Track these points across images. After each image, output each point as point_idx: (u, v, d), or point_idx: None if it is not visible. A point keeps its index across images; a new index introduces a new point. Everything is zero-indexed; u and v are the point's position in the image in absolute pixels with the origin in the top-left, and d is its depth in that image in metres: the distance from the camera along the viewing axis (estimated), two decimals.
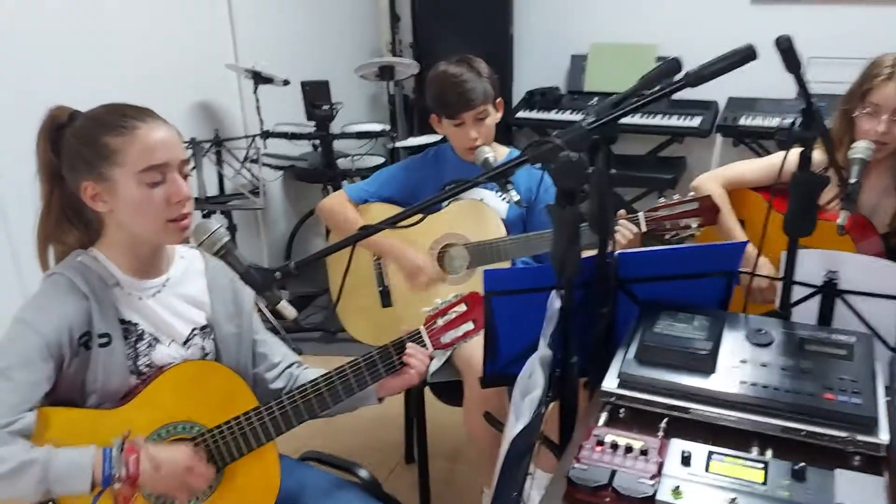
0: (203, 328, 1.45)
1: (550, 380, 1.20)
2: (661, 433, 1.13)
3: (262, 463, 1.40)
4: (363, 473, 1.58)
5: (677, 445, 1.09)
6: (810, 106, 1.29)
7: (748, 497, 0.99)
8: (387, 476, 2.50)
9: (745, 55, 1.16)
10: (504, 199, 2.10)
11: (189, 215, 1.33)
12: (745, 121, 3.78)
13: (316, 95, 3.39)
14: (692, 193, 1.92)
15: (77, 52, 2.69)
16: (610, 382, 1.23)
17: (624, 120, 1.23)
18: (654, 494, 1.00)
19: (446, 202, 2.07)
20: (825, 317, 1.47)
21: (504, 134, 3.90)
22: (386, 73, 3.68)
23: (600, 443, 1.09)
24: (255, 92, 3.31)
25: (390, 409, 1.88)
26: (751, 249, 1.83)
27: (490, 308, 1.43)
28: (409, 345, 1.45)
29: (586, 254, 1.26)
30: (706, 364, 1.22)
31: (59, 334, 1.25)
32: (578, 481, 1.03)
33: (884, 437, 1.08)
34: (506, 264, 2.03)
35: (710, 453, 1.08)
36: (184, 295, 1.43)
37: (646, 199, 4.09)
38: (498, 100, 2.07)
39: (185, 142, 1.31)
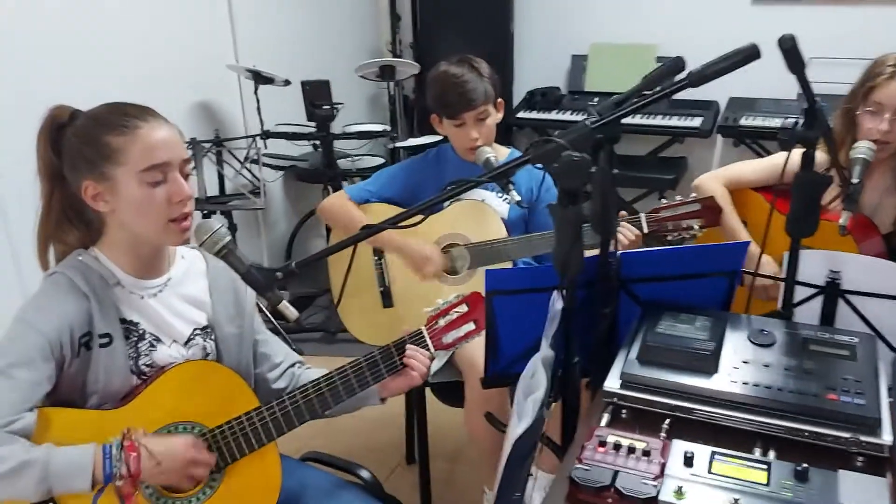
0: (204, 329, 1.45)
1: (553, 380, 1.20)
2: (663, 434, 1.13)
3: (263, 463, 1.40)
4: (364, 474, 1.58)
5: (680, 446, 1.09)
6: (813, 106, 1.29)
7: (751, 498, 0.99)
8: (387, 476, 2.50)
9: (749, 54, 1.16)
10: (505, 199, 2.10)
11: (190, 215, 1.33)
12: (745, 121, 3.78)
13: (316, 95, 3.39)
14: (694, 194, 1.92)
15: (77, 52, 2.69)
16: (612, 383, 1.23)
17: (624, 120, 1.23)
18: (657, 495, 1.00)
19: (447, 202, 2.07)
20: (828, 317, 1.47)
21: (504, 134, 3.90)
22: (386, 73, 3.68)
23: (603, 443, 1.09)
24: (255, 92, 3.31)
25: (391, 410, 1.88)
26: (754, 248, 1.82)
27: (491, 308, 1.43)
28: (408, 346, 1.45)
29: (588, 254, 1.26)
30: (709, 364, 1.22)
31: (59, 334, 1.25)
32: (581, 482, 1.03)
33: (887, 437, 1.07)
34: (507, 265, 2.03)
35: (713, 454, 1.07)
36: (185, 295, 1.43)
37: (646, 200, 4.09)
38: (499, 100, 2.07)
39: (186, 142, 1.31)
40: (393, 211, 2.02)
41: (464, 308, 1.50)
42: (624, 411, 1.21)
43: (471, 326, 1.50)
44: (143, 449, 1.23)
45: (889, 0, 3.67)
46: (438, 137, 2.69)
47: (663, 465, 1.05)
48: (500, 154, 2.10)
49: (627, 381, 1.22)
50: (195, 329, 1.43)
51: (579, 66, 4.28)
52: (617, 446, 1.08)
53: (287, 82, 3.34)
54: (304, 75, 3.46)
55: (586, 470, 1.04)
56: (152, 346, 1.37)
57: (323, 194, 3.39)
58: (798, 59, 1.22)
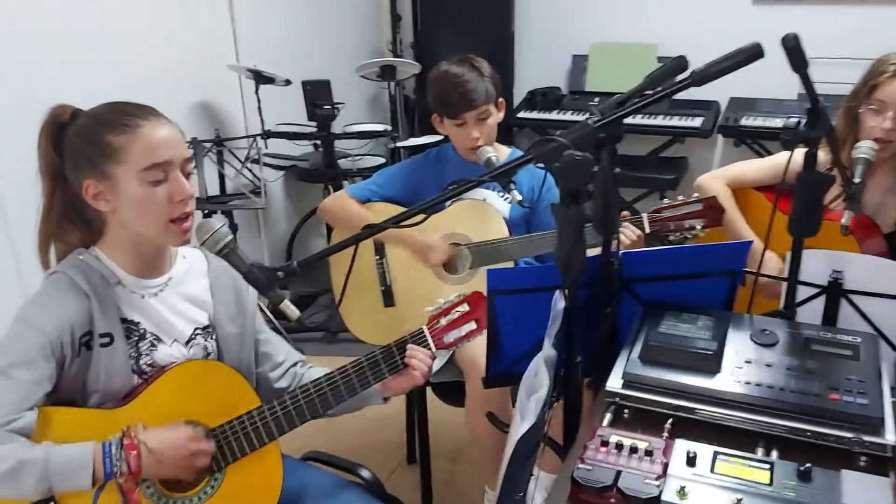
0: (205, 328, 1.45)
1: (556, 380, 1.20)
2: (665, 433, 1.13)
3: (264, 463, 1.40)
4: (365, 474, 1.58)
5: (682, 446, 1.09)
6: (816, 105, 1.28)
7: (754, 498, 0.99)
8: (388, 476, 2.50)
9: (752, 53, 1.15)
10: (507, 199, 2.10)
11: (191, 215, 1.33)
12: (746, 121, 3.78)
13: (317, 95, 3.39)
14: (696, 194, 1.92)
15: (77, 52, 2.68)
16: (614, 382, 1.22)
17: (625, 120, 1.22)
18: (660, 495, 1.00)
19: (449, 202, 2.07)
20: (830, 317, 1.47)
21: (505, 134, 3.89)
22: (387, 73, 3.68)
23: (605, 443, 1.09)
24: (256, 92, 3.31)
25: (392, 410, 1.88)
26: (757, 244, 1.82)
27: (493, 308, 1.42)
28: (409, 345, 1.45)
29: (589, 253, 1.25)
30: (711, 364, 1.21)
31: (60, 333, 1.24)
32: (583, 482, 1.02)
33: (890, 437, 1.07)
34: (508, 264, 2.03)
35: (716, 454, 1.07)
36: (186, 294, 1.43)
37: (647, 200, 4.09)
38: (500, 100, 2.06)
39: (187, 141, 1.31)
40: (394, 210, 2.01)
41: (465, 307, 1.49)
42: (626, 411, 1.20)
43: (472, 326, 1.50)
44: (142, 447, 1.23)
45: (889, 0, 3.66)
46: (439, 137, 2.69)
47: (666, 465, 1.05)
48: (501, 153, 2.10)
49: (629, 381, 1.22)
50: (196, 328, 1.43)
51: (580, 66, 4.27)
52: (619, 446, 1.08)
53: (288, 82, 3.34)
54: (305, 75, 3.46)
55: (588, 470, 1.04)
56: (153, 345, 1.37)
57: (323, 194, 3.39)
58: (801, 58, 1.21)
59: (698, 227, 1.85)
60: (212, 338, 1.45)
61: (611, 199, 1.24)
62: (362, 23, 4.54)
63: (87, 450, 1.21)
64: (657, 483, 1.01)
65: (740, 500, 0.98)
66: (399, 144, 3.73)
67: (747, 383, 1.17)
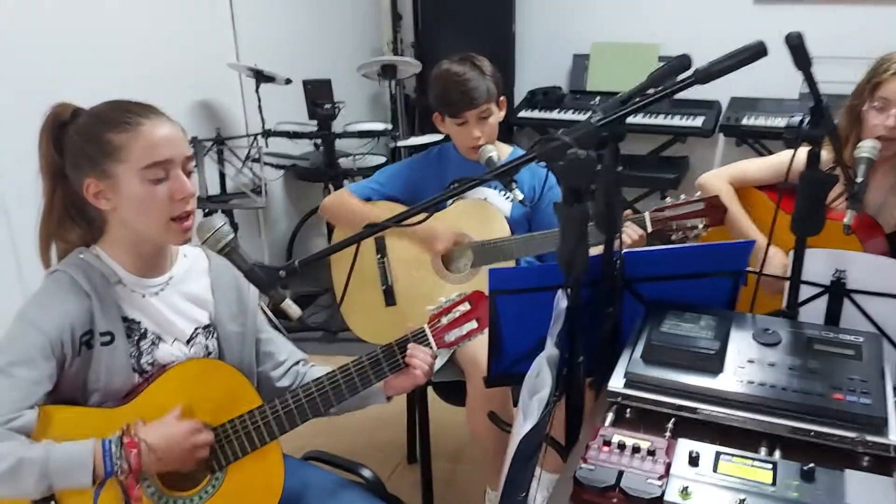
0: (206, 327, 1.44)
1: (558, 379, 1.19)
2: (668, 433, 1.12)
3: (265, 462, 1.40)
4: (366, 473, 1.58)
5: (685, 446, 1.08)
6: (819, 103, 1.28)
7: (757, 498, 0.98)
8: (389, 476, 2.50)
9: (756, 52, 1.15)
10: (508, 197, 2.09)
11: (192, 214, 1.33)
12: (747, 121, 3.78)
13: (318, 94, 3.39)
14: (699, 193, 1.91)
15: (77, 52, 2.68)
16: (616, 382, 1.22)
17: (626, 119, 1.22)
18: (662, 495, 0.99)
19: (450, 201, 2.07)
20: (833, 316, 1.46)
21: (506, 134, 3.90)
22: (388, 72, 3.68)
23: (607, 443, 1.08)
24: (256, 91, 3.30)
25: (393, 409, 1.87)
26: (761, 241, 1.82)
27: (495, 307, 1.42)
28: (410, 344, 1.44)
29: (591, 252, 1.25)
30: (713, 364, 1.21)
31: (61, 332, 1.24)
32: (585, 482, 1.02)
33: (893, 437, 1.07)
34: (510, 264, 2.03)
35: (718, 454, 1.07)
36: (187, 293, 1.42)
37: (648, 199, 4.09)
38: (501, 98, 2.06)
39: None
40: (395, 209, 2.01)
41: (466, 306, 1.49)
42: (628, 411, 1.20)
43: (473, 325, 1.49)
44: (142, 444, 1.23)
45: (890, 0, 3.66)
46: (440, 136, 2.69)
47: (668, 465, 1.04)
48: (503, 152, 2.09)
49: (632, 381, 1.21)
50: (197, 327, 1.43)
51: (581, 66, 4.27)
52: (621, 446, 1.08)
53: (288, 81, 3.33)
54: (306, 74, 3.46)
55: (591, 470, 1.03)
56: (154, 344, 1.37)
57: (324, 193, 3.39)
58: (805, 57, 1.21)
59: (700, 226, 1.85)
60: (213, 337, 1.45)
61: (613, 197, 1.24)
62: (363, 22, 4.54)
63: (87, 448, 1.21)
64: (660, 483, 1.00)
65: (743, 500, 0.97)
66: (400, 144, 3.72)
67: (750, 383, 1.17)
